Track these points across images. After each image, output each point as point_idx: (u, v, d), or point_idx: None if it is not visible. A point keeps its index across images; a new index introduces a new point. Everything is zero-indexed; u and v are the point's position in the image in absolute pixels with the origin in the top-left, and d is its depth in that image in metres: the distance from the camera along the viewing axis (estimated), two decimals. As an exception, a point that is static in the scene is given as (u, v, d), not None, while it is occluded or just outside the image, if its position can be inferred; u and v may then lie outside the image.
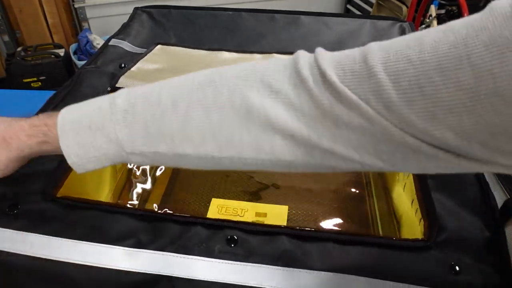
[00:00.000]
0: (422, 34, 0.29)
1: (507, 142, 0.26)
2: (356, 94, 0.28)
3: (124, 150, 0.34)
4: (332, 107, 0.29)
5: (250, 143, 0.31)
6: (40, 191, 0.56)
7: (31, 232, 0.49)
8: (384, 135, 0.28)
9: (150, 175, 0.92)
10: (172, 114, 0.32)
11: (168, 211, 0.89)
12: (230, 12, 1.10)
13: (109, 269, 0.46)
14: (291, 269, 0.45)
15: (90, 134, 0.34)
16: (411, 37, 0.29)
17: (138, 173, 1.04)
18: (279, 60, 0.33)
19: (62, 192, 0.60)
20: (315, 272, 0.45)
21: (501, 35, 0.25)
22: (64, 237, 0.49)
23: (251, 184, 0.98)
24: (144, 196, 0.92)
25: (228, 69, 0.33)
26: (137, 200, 0.86)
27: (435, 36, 0.29)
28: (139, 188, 0.89)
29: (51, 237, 0.49)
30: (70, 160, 0.36)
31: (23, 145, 0.38)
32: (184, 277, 0.45)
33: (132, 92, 0.35)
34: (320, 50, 0.32)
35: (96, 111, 0.34)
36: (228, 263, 0.45)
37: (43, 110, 0.70)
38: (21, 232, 0.49)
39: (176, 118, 0.32)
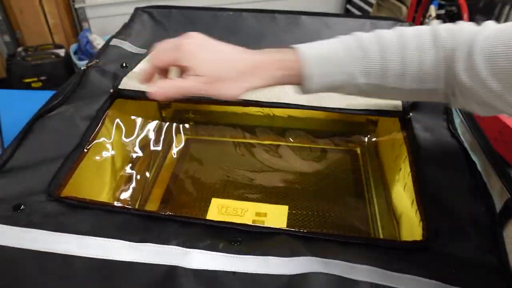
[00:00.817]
0: None
1: None
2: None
3: (355, 80, 0.46)
4: None
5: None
6: (44, 191, 0.56)
7: (36, 229, 0.50)
8: None
9: (150, 175, 0.92)
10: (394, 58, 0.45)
11: (170, 213, 0.89)
12: (231, 12, 1.10)
13: (114, 261, 0.47)
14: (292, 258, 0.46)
15: (330, 66, 0.46)
16: None
17: (138, 173, 1.04)
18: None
19: (65, 192, 0.60)
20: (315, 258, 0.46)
21: None
22: (69, 233, 0.49)
23: (252, 185, 0.98)
24: (145, 195, 0.92)
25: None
26: (137, 200, 0.86)
27: None
28: (139, 188, 0.90)
29: (55, 232, 0.49)
30: (308, 87, 0.47)
31: (271, 75, 0.46)
32: (188, 267, 0.46)
33: (363, 38, 0.47)
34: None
35: (332, 50, 0.47)
36: (231, 256, 0.47)
37: (44, 108, 0.70)
38: (26, 229, 0.50)
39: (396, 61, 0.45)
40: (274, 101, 0.81)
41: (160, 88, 0.45)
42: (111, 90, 0.79)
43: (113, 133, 0.89)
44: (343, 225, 0.87)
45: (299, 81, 0.46)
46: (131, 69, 0.86)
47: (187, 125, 1.18)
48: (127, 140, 0.98)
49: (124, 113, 0.94)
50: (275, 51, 0.47)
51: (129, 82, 0.80)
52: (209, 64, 0.43)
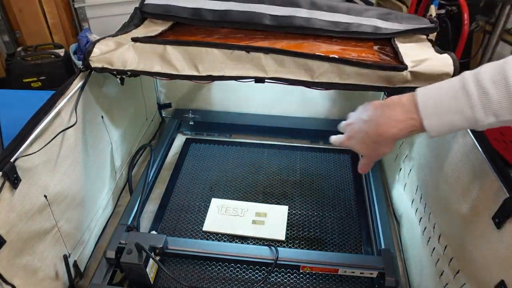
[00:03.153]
0: None
1: None
2: None
3: (476, 123, 0.46)
4: None
5: None
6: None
7: None
8: None
9: (150, 175, 0.92)
10: None
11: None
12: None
13: None
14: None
15: (450, 115, 0.47)
16: None
17: (138, 174, 1.04)
18: None
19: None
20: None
21: None
22: None
23: (252, 185, 0.98)
24: (145, 195, 0.92)
25: None
26: (137, 199, 0.86)
27: None
28: (139, 188, 0.89)
29: None
30: (432, 133, 0.49)
31: (398, 135, 0.53)
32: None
33: (479, 79, 0.46)
34: None
35: (452, 99, 0.47)
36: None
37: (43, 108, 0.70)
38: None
39: None
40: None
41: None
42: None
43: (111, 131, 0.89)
44: (343, 225, 0.87)
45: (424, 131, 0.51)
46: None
47: (187, 125, 1.18)
48: (127, 140, 0.98)
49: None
50: (400, 104, 0.53)
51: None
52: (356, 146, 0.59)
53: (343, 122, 0.61)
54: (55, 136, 0.62)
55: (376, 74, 0.67)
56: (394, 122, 0.53)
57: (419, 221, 0.76)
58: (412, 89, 0.68)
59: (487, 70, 0.46)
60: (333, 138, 0.63)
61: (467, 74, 0.47)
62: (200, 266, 0.77)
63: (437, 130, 0.49)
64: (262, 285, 0.74)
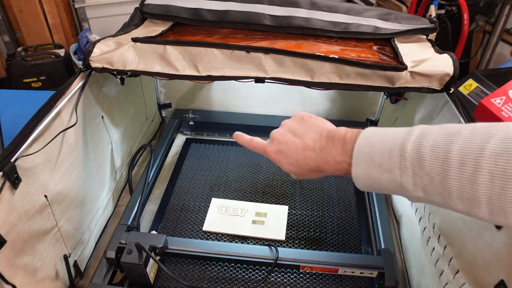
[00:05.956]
0: None
1: None
2: None
3: (404, 190, 0.40)
4: None
5: None
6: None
7: None
8: None
9: (150, 175, 0.92)
10: (457, 174, 0.35)
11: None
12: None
13: None
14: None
15: (379, 172, 0.41)
16: None
17: (138, 174, 1.04)
18: None
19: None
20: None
21: None
22: None
23: (252, 185, 0.98)
24: (145, 195, 0.92)
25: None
26: (137, 199, 0.86)
27: None
28: (139, 188, 0.89)
29: None
30: (357, 184, 0.44)
31: (329, 173, 0.48)
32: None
33: (421, 141, 0.38)
34: None
35: (386, 154, 0.40)
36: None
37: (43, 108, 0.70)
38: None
39: (461, 179, 0.35)
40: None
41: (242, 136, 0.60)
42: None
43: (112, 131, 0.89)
44: (343, 225, 0.87)
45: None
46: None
47: (187, 125, 1.18)
48: (127, 140, 0.98)
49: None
50: (342, 141, 0.47)
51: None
52: (287, 165, 0.53)
53: (273, 131, 0.56)
54: (55, 136, 0.63)
55: (376, 74, 0.67)
56: (332, 161, 0.47)
57: (419, 221, 0.77)
58: (412, 89, 0.68)
59: (433, 134, 0.38)
60: (247, 139, 0.60)
61: (417, 128, 0.40)
62: (200, 266, 0.77)
63: (363, 183, 0.43)
64: (262, 285, 0.74)
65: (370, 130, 0.45)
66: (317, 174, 0.50)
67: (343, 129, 0.48)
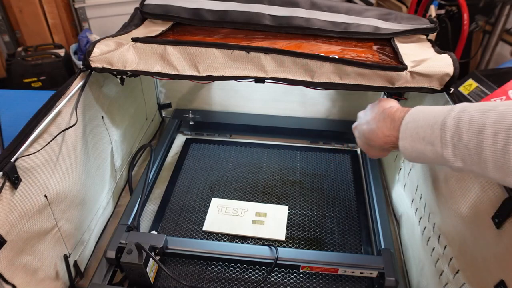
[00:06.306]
0: None
1: None
2: None
3: (445, 162, 0.43)
4: None
5: None
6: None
7: None
8: None
9: (150, 175, 0.92)
10: (491, 145, 0.38)
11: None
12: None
13: None
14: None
15: (423, 144, 0.46)
16: None
17: (138, 174, 1.04)
18: None
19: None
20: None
21: None
22: None
23: (252, 185, 0.98)
24: (145, 195, 0.92)
25: None
26: (137, 199, 0.86)
27: None
28: (139, 188, 0.89)
29: None
30: (405, 156, 0.49)
31: (383, 147, 0.56)
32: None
33: (461, 116, 0.42)
34: None
35: (429, 128, 0.45)
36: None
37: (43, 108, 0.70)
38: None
39: (494, 149, 0.38)
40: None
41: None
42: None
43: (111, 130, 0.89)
44: (343, 225, 0.87)
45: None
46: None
47: (187, 125, 1.18)
48: (127, 140, 0.98)
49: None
50: (392, 119, 0.53)
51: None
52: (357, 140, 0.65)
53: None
54: (55, 136, 0.63)
55: (376, 74, 0.67)
56: (381, 134, 0.54)
57: (419, 221, 0.76)
58: (412, 89, 0.68)
59: (471, 110, 0.42)
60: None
61: (458, 106, 0.44)
62: (200, 266, 0.77)
63: (409, 155, 0.49)
64: (262, 285, 0.74)
65: (417, 108, 0.49)
66: (374, 148, 0.59)
67: (394, 108, 0.55)
